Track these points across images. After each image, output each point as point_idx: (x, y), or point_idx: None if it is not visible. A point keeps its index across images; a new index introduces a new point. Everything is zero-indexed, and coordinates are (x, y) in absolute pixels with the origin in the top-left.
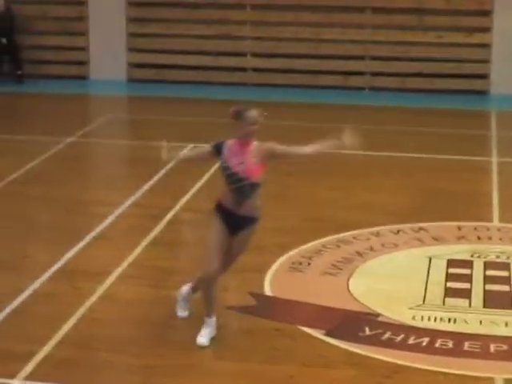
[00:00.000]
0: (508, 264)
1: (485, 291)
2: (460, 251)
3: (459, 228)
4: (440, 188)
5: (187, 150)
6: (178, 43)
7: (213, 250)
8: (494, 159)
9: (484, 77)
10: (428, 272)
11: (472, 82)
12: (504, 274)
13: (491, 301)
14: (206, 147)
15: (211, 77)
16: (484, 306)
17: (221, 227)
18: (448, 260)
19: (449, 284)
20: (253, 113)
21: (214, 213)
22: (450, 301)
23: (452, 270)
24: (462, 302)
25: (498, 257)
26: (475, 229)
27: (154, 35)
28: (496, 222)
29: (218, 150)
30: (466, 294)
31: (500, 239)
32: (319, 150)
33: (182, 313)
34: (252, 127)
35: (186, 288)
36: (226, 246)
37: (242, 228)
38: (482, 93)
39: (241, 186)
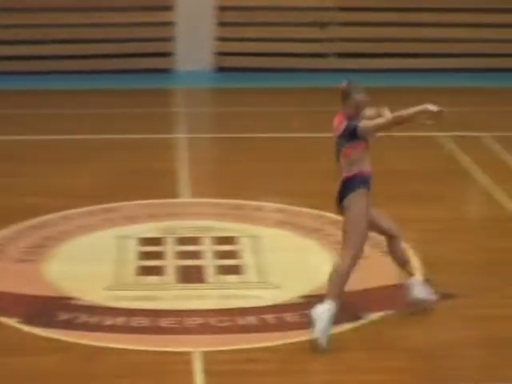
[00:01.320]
0: (198, 238)
1: (177, 267)
2: (151, 229)
3: (149, 206)
4: (131, 167)
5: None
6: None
7: (365, 236)
8: (183, 136)
9: (168, 55)
10: (121, 252)
11: (157, 60)
12: (195, 248)
13: (184, 276)
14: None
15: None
16: (177, 282)
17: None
18: (140, 238)
19: (142, 262)
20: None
21: (359, 187)
22: (143, 279)
23: (144, 249)
24: (156, 280)
25: (188, 232)
26: (166, 206)
27: None
28: (187, 198)
29: None
30: (159, 271)
31: (190, 215)
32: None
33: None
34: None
35: None
36: None
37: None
38: (167, 71)
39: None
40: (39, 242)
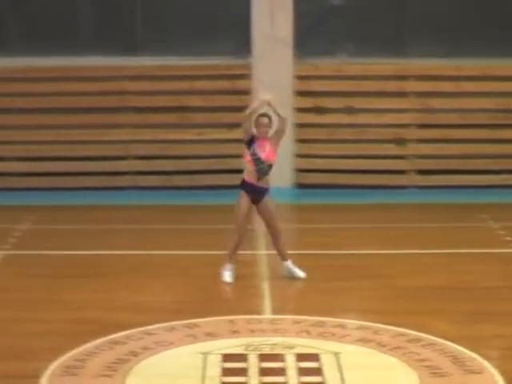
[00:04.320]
0: (282, 355)
1: None
2: (234, 345)
3: (232, 322)
4: (210, 283)
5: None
6: None
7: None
8: (263, 252)
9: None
10: (204, 368)
11: (236, 176)
12: (279, 365)
13: None
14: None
15: None
16: None
17: (246, 198)
18: (223, 355)
19: (225, 379)
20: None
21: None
22: None
23: (227, 365)
24: None
25: (272, 349)
26: (248, 322)
27: None
28: (268, 315)
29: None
30: None
31: (273, 331)
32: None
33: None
34: (265, 129)
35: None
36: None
37: (263, 196)
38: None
39: (262, 167)
40: (120, 357)
